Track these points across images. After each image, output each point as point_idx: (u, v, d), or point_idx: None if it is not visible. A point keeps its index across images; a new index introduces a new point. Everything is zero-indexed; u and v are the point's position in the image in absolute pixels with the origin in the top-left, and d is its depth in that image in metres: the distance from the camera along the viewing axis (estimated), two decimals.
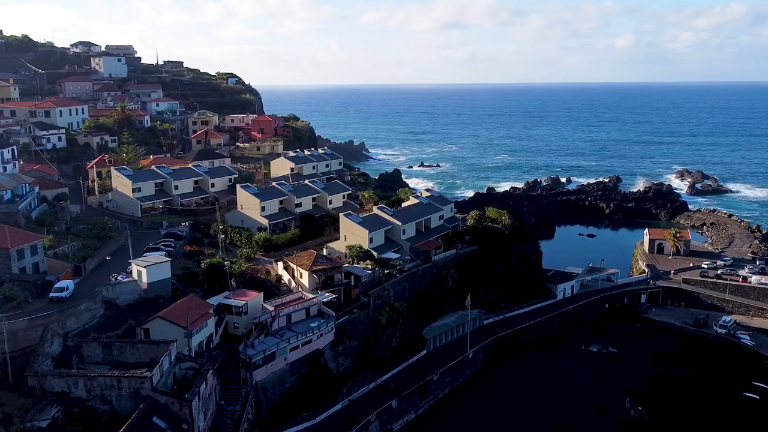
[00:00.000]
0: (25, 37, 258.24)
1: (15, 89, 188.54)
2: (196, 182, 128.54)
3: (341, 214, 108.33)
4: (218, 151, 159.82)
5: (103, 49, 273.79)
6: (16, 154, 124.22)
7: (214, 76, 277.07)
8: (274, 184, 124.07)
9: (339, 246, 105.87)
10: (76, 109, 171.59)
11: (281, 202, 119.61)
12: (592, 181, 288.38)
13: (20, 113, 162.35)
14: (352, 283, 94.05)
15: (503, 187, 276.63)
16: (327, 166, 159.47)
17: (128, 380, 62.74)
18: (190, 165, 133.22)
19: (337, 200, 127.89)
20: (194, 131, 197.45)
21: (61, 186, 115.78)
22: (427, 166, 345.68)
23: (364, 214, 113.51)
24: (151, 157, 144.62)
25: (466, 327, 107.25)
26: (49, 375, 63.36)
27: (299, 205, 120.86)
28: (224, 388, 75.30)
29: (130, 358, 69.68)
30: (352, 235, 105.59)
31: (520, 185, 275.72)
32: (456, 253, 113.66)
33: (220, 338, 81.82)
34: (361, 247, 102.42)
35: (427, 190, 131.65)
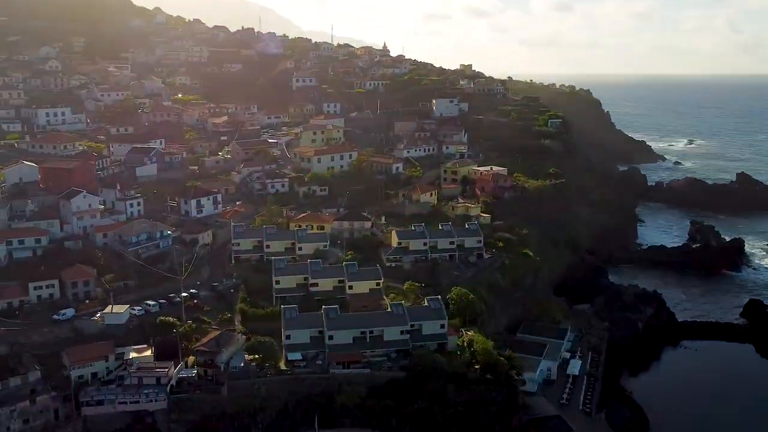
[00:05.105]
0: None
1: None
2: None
3: (282, 306, 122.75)
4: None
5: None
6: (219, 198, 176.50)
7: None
8: (308, 261, 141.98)
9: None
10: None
11: (305, 279, 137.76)
12: None
13: None
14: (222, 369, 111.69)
15: None
16: (451, 243, 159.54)
17: None
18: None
19: (361, 287, 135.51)
20: (444, 179, 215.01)
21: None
22: None
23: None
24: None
25: None
26: None
27: (315, 285, 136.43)
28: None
29: None
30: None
31: None
32: (373, 373, 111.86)
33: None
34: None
35: (434, 298, 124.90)
